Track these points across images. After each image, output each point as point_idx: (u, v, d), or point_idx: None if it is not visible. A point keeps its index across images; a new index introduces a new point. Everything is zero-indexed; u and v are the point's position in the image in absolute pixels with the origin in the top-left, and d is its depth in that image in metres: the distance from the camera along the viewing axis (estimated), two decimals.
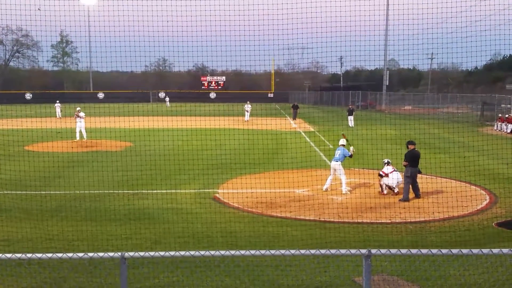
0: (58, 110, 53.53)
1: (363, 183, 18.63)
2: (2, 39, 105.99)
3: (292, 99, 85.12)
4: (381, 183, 17.26)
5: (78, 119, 32.32)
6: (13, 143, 24.16)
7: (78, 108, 33.13)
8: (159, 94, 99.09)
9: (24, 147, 26.85)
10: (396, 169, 17.20)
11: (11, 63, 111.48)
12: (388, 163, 17.48)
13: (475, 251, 5.91)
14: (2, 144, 21.42)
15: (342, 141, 18.04)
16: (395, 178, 17.04)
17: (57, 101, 55.57)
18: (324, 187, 17.48)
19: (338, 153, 17.57)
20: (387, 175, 17.09)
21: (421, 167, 16.72)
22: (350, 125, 43.44)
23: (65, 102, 60.66)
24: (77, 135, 32.32)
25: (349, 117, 44.80)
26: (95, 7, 67.65)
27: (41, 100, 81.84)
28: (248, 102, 51.96)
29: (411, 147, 16.56)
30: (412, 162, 16.19)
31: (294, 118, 50.72)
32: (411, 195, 16.39)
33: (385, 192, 17.10)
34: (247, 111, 50.10)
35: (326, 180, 17.61)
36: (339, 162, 17.33)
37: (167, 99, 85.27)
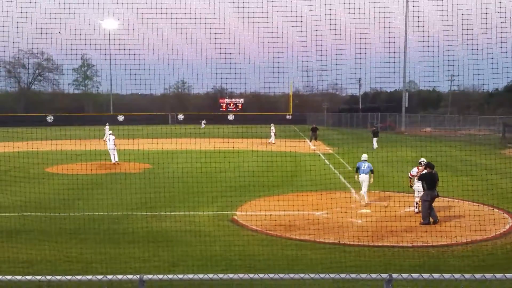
0: (107, 132, 51.42)
1: (383, 206, 18.42)
2: (24, 63, 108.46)
3: (310, 121, 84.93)
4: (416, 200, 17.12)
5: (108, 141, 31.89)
6: (34, 165, 24.41)
7: (109, 131, 31.88)
8: (178, 117, 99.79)
9: (44, 169, 27.15)
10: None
11: (33, 86, 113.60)
12: (420, 164, 17.16)
13: (498, 276, 5.76)
14: (23, 166, 21.69)
15: (364, 156, 19.06)
16: (416, 185, 16.95)
17: (107, 124, 51.58)
18: (365, 202, 18.44)
19: (365, 165, 18.60)
20: (414, 177, 17.02)
21: (443, 190, 16.46)
22: (374, 147, 41.44)
23: (85, 124, 60.81)
24: (112, 157, 31.49)
25: (374, 139, 42.95)
26: (116, 31, 68.88)
27: (62, 122, 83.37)
28: (272, 124, 51.08)
29: (428, 170, 16.32)
30: (430, 185, 15.96)
31: (315, 140, 49.86)
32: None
33: (416, 210, 16.94)
34: (272, 133, 49.36)
35: (361, 194, 18.69)
36: (367, 175, 18.49)
37: (203, 121, 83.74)
